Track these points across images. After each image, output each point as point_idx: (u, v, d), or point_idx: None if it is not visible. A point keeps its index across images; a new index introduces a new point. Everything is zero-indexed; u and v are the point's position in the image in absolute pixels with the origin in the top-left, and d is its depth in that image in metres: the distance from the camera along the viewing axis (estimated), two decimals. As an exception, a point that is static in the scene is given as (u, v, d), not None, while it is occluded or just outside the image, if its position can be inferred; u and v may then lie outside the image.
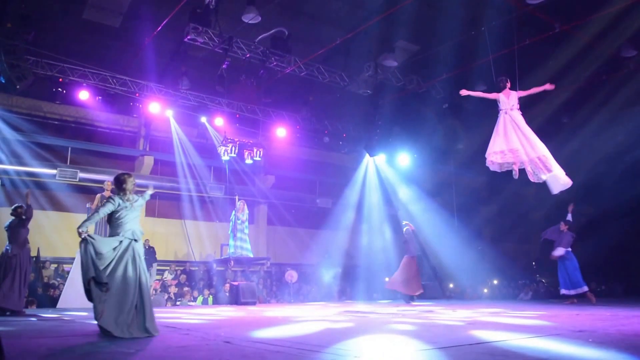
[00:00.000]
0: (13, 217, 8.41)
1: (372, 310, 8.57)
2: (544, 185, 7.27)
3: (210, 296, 12.28)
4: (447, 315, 7.06)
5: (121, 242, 4.72)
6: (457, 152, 13.55)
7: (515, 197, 12.27)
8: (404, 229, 11.04)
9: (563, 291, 9.88)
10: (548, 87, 7.47)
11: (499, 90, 7.66)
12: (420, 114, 13.14)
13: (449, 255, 13.87)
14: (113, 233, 4.82)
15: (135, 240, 4.81)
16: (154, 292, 11.46)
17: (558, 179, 7.12)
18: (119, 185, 4.99)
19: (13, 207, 8.50)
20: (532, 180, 7.21)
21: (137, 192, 5.12)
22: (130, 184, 5.01)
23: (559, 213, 12.09)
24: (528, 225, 12.29)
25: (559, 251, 9.86)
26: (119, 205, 4.82)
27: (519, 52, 9.87)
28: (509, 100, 7.55)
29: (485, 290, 13.74)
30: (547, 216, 12.32)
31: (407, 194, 15.73)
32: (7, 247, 8.33)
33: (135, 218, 4.94)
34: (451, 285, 15.03)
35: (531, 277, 14.07)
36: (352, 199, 16.17)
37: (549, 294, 13.44)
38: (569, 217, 10.16)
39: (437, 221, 14.17)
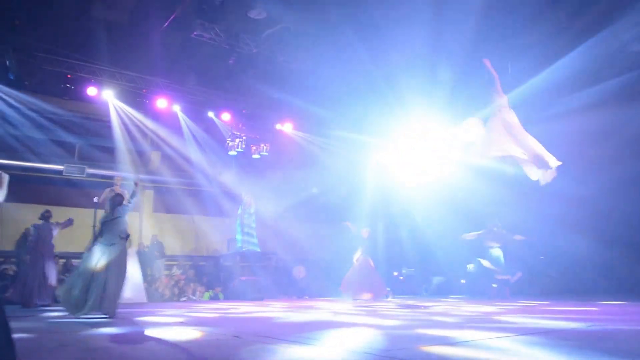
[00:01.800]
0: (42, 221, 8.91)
1: (388, 305, 8.56)
2: (553, 180, 7.26)
3: (215, 292, 12.31)
4: (464, 309, 7.04)
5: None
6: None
7: (525, 190, 12.14)
8: (363, 231, 11.17)
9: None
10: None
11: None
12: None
13: (455, 250, 13.78)
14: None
15: (113, 244, 6.36)
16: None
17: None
18: None
19: (42, 212, 9.24)
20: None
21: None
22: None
23: (565, 204, 11.97)
24: (536, 219, 12.16)
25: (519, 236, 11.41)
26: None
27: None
28: (502, 98, 7.68)
29: (494, 285, 13.66)
30: (557, 209, 12.17)
31: (412, 187, 15.64)
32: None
33: (112, 226, 6.45)
34: (463, 281, 14.95)
35: (540, 272, 13.91)
36: (360, 193, 16.11)
37: (557, 290, 13.31)
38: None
39: (442, 217, 14.07)
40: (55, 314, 6.96)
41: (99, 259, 6.28)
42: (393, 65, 11.33)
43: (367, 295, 10.54)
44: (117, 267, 6.34)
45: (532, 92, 9.99)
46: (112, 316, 6.07)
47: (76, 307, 6.14)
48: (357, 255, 11.27)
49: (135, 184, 6.81)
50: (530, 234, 12.56)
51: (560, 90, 10.60)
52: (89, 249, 6.42)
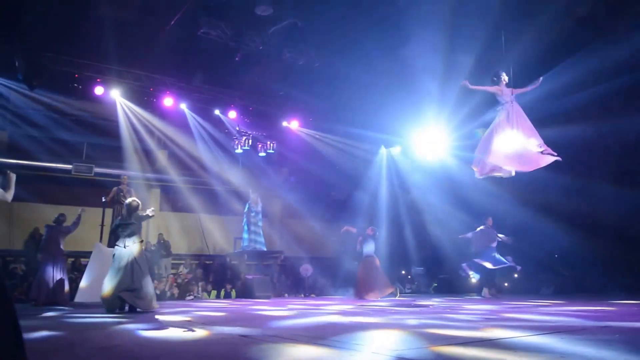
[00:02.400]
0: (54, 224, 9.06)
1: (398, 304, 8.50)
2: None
3: (227, 290, 12.32)
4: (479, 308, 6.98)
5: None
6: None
7: (540, 188, 12.01)
8: (368, 229, 11.12)
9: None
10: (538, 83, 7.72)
11: (497, 84, 7.81)
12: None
13: (467, 248, 13.66)
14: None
15: (128, 246, 6.88)
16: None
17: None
18: None
19: (57, 216, 9.36)
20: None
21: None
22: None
23: (579, 202, 11.80)
24: (553, 216, 12.02)
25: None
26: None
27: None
28: (504, 96, 7.68)
29: (506, 284, 13.55)
30: (578, 207, 12.02)
31: (420, 184, 15.58)
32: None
33: (129, 230, 6.96)
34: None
35: (553, 271, 13.76)
36: (368, 190, 16.06)
37: (572, 288, 13.19)
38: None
39: (451, 214, 13.97)
40: (60, 313, 6.98)
41: (121, 261, 6.79)
42: (403, 61, 11.23)
43: (376, 295, 10.51)
44: (141, 267, 6.89)
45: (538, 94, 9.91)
46: (149, 310, 6.73)
47: (115, 306, 6.74)
48: (346, 228, 11.37)
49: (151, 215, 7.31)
50: (541, 232, 12.42)
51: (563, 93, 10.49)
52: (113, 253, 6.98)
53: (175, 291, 11.53)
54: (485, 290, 11.19)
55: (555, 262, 13.50)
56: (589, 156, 11.19)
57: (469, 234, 11.60)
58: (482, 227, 11.43)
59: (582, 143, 11.14)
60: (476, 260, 11.17)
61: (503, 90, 7.84)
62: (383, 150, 16.31)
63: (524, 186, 8.16)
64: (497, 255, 11.08)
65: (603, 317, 5.31)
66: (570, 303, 8.19)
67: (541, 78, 7.78)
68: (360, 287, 10.76)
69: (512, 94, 7.81)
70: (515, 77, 8.12)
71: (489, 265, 10.95)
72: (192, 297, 11.59)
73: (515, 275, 13.72)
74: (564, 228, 11.59)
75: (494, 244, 11.21)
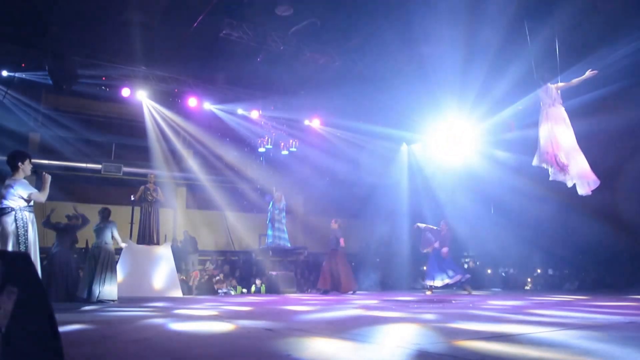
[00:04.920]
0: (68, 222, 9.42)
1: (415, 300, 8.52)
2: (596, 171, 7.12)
3: (257, 285, 12.51)
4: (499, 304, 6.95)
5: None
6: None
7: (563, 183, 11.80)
8: (333, 223, 11.10)
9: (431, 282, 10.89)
10: (590, 74, 7.19)
11: (539, 86, 7.50)
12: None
13: (489, 244, 13.54)
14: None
15: (107, 243, 8.84)
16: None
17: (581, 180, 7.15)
18: None
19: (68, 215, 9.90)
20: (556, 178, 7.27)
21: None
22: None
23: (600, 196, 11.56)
24: (577, 211, 11.80)
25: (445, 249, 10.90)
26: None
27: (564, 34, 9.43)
28: (547, 96, 7.31)
29: (529, 280, 13.36)
30: (602, 201, 11.76)
31: (442, 181, 15.48)
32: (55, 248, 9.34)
33: (104, 233, 8.85)
34: (489, 271, 14.72)
35: (577, 267, 13.55)
36: (389, 187, 16.03)
37: (596, 284, 12.95)
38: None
39: (473, 210, 13.85)
40: (91, 307, 7.23)
41: (98, 255, 8.60)
42: (425, 58, 11.19)
43: (338, 288, 10.64)
44: (112, 262, 8.69)
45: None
46: (111, 300, 8.35)
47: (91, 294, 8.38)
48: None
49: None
50: (565, 227, 12.19)
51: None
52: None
53: (204, 286, 11.77)
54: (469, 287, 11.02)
55: (579, 257, 13.27)
56: (612, 151, 10.92)
57: (422, 225, 11.42)
58: (435, 227, 11.25)
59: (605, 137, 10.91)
60: (427, 279, 11.02)
61: (547, 90, 7.38)
62: (404, 147, 16.24)
63: (546, 181, 8.01)
64: (447, 267, 10.80)
65: (628, 313, 5.24)
66: (594, 299, 8.07)
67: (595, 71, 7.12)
68: (326, 281, 10.87)
69: (557, 92, 7.33)
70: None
71: (444, 281, 10.73)
72: (220, 292, 11.82)
73: (539, 271, 13.52)
74: (587, 223, 11.38)
75: (445, 249, 10.92)
